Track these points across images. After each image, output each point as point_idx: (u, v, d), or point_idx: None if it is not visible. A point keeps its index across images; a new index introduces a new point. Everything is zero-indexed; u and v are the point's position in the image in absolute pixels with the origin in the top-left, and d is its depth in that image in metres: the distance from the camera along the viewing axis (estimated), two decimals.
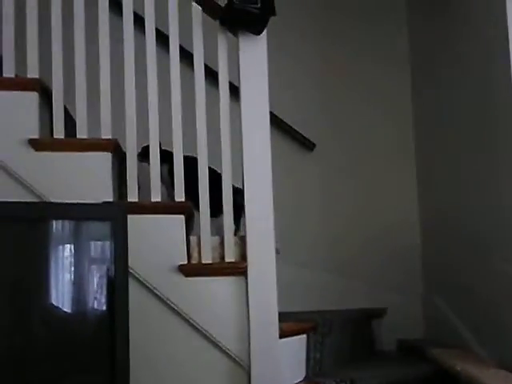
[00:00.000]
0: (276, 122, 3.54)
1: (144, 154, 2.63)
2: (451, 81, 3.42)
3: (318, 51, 3.94)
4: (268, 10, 2.51)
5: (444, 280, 3.57)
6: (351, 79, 3.93)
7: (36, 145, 2.48)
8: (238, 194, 2.55)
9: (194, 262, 2.53)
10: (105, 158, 2.52)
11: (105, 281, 2.07)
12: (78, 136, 2.54)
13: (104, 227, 2.02)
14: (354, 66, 3.93)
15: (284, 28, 3.20)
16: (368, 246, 3.79)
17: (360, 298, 3.70)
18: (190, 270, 2.50)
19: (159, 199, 2.54)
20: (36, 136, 2.50)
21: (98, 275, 2.11)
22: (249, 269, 2.49)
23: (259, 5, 2.49)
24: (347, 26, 3.97)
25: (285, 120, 3.76)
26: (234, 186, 2.58)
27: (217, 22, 2.61)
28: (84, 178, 2.49)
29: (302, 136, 3.85)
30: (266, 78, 2.58)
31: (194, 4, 2.61)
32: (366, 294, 3.74)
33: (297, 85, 3.87)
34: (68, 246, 2.09)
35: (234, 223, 2.57)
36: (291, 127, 3.81)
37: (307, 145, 3.87)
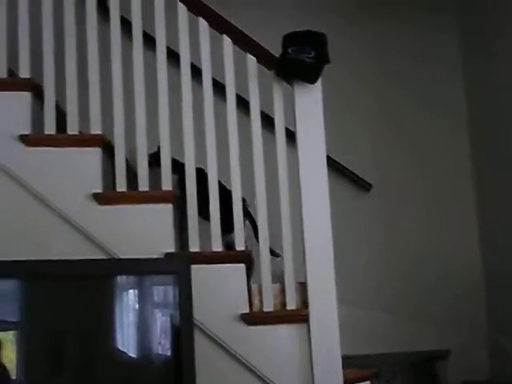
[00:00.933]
0: (331, 163, 3.55)
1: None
2: None
3: (371, 91, 3.94)
4: (322, 58, 2.54)
5: (509, 320, 3.49)
6: (405, 119, 3.92)
7: (100, 199, 2.55)
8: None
9: (255, 310, 2.55)
10: (167, 210, 2.57)
11: (171, 331, 2.11)
12: (140, 189, 2.60)
13: (169, 279, 2.06)
14: (407, 107, 3.92)
15: (338, 69, 3.22)
16: (430, 286, 3.73)
17: (424, 340, 3.64)
18: (252, 318, 2.51)
19: (220, 249, 2.57)
20: (99, 190, 2.57)
21: (165, 326, 2.15)
22: (310, 316, 2.49)
23: (313, 54, 2.52)
24: (402, 65, 3.97)
25: (340, 161, 3.76)
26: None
27: (272, 72, 2.65)
28: (147, 230, 2.54)
29: (358, 177, 3.85)
30: (322, 124, 2.61)
31: (249, 55, 2.66)
32: (429, 335, 3.68)
33: (351, 125, 3.87)
34: (134, 297, 2.14)
35: None
36: (347, 169, 3.81)
37: (363, 185, 3.86)
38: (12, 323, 2.07)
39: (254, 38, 2.69)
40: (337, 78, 3.42)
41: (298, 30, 2.58)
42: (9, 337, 2.05)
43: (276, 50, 2.63)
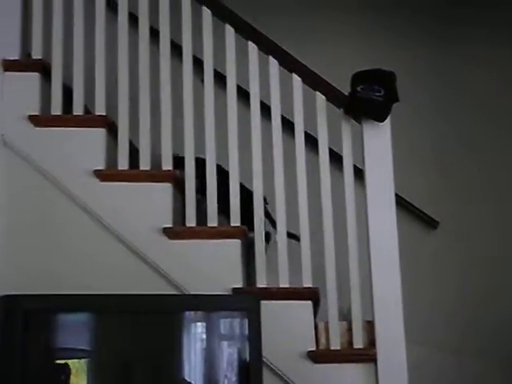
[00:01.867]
0: (397, 200, 3.53)
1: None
2: None
3: (435, 126, 3.92)
4: (391, 97, 2.55)
5: None
6: (472, 156, 3.87)
7: (170, 233, 2.60)
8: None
9: (322, 347, 2.54)
10: (235, 245, 2.60)
11: (238, 366, 2.12)
12: (209, 224, 2.64)
13: (238, 315, 2.08)
14: (474, 144, 3.88)
15: (402, 107, 3.22)
16: (499, 325, 3.64)
17: (491, 380, 3.54)
18: (319, 356, 2.50)
19: (287, 284, 2.58)
20: (169, 224, 2.62)
21: (231, 360, 2.17)
22: (378, 356, 2.46)
23: (382, 93, 2.54)
24: (464, 105, 3.93)
25: (405, 198, 3.73)
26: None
27: (341, 110, 2.67)
28: (215, 264, 2.57)
29: (425, 214, 3.80)
30: (391, 162, 2.62)
31: (318, 93, 2.69)
32: (497, 375, 3.58)
33: (417, 163, 3.85)
34: (203, 331, 2.17)
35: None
36: (413, 205, 3.78)
37: (430, 222, 3.82)
38: (84, 352, 2.13)
39: (322, 76, 2.73)
40: (400, 113, 3.42)
41: (367, 68, 2.60)
42: (80, 365, 2.11)
43: (343, 87, 2.66)
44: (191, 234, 2.61)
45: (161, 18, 2.80)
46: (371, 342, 2.51)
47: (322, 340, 2.55)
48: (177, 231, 2.61)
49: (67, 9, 2.83)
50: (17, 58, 2.79)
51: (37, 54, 2.80)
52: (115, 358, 2.09)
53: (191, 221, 2.63)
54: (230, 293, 2.51)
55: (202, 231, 2.62)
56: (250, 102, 2.73)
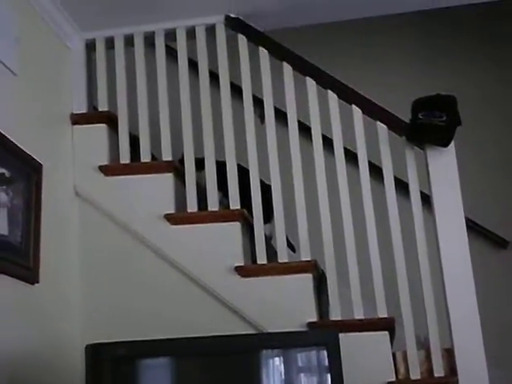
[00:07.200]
0: (467, 223, 3.48)
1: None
2: None
3: (501, 143, 3.87)
4: (454, 121, 2.54)
5: None
6: None
7: (242, 272, 2.63)
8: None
9: (401, 377, 2.52)
10: (307, 280, 2.62)
11: None
12: (279, 260, 2.67)
13: (317, 350, 2.08)
14: None
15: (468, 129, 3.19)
16: None
17: None
18: None
19: (362, 316, 2.57)
20: (241, 263, 2.66)
21: None
22: (460, 383, 2.43)
23: (445, 118, 2.53)
24: None
25: (476, 220, 3.68)
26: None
27: (403, 138, 2.68)
28: (288, 300, 2.59)
29: (494, 234, 3.75)
30: (458, 186, 2.60)
31: (379, 123, 2.71)
32: None
33: (485, 183, 3.80)
34: (281, 367, 2.16)
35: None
36: (481, 226, 3.72)
37: (500, 242, 3.75)
38: None
39: (382, 106, 2.74)
40: (466, 135, 3.39)
41: (426, 95, 2.61)
42: None
43: (401, 113, 2.67)
44: (262, 270, 2.64)
45: (220, 61, 2.87)
46: (451, 370, 2.48)
47: (401, 370, 2.54)
48: (248, 269, 2.65)
49: (129, 61, 2.94)
50: (84, 111, 2.90)
51: (103, 106, 2.91)
52: None
53: (262, 258, 2.67)
54: (304, 327, 2.53)
55: (273, 267, 2.65)
56: (311, 137, 2.76)
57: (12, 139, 2.32)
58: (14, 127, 2.36)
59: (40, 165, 2.49)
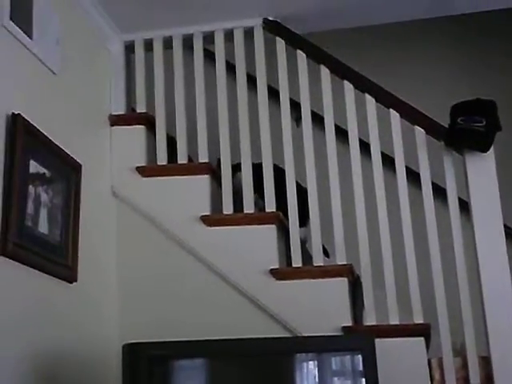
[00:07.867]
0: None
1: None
2: None
3: None
4: (493, 126, 2.51)
5: None
6: None
7: (277, 275, 2.63)
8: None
9: None
10: (343, 284, 2.61)
11: None
12: (314, 264, 2.66)
13: (352, 355, 2.07)
14: None
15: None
16: None
17: None
18: None
19: (397, 321, 2.56)
20: (276, 266, 2.66)
21: None
22: None
23: (484, 122, 2.50)
24: None
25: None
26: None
27: (441, 143, 2.66)
28: (323, 304, 2.58)
29: None
30: (497, 192, 2.56)
31: (417, 127, 2.69)
32: None
33: None
34: (316, 371, 2.16)
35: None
36: None
37: None
38: None
39: (421, 110, 2.72)
40: (505, 140, 3.35)
41: (466, 99, 2.58)
42: None
43: (439, 118, 2.64)
44: (297, 273, 2.64)
45: (257, 64, 2.88)
46: (487, 378, 2.45)
47: (437, 377, 2.51)
48: (283, 272, 2.65)
49: (167, 63, 2.96)
50: (123, 112, 2.93)
51: (141, 107, 2.93)
52: None
53: (297, 261, 2.66)
54: (339, 331, 2.52)
55: (308, 271, 2.64)
56: (348, 140, 2.75)
57: (52, 139, 2.35)
58: (54, 127, 2.39)
59: (79, 165, 2.52)
